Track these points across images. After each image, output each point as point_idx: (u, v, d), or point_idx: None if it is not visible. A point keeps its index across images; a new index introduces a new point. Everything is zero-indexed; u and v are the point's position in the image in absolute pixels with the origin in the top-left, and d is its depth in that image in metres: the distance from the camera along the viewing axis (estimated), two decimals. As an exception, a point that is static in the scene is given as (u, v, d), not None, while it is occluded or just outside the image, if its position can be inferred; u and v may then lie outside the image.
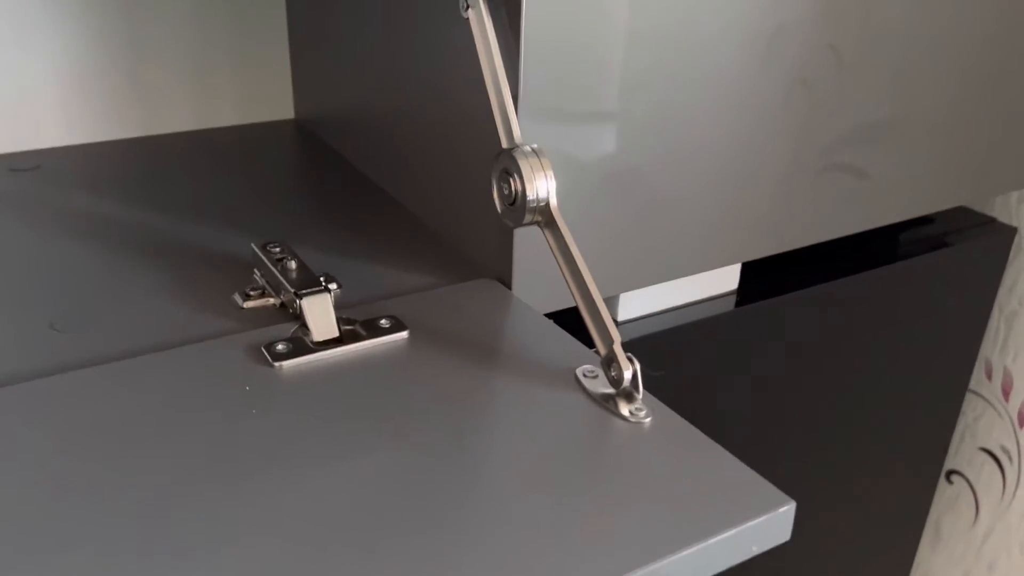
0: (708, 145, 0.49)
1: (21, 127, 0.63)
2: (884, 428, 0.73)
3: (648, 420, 0.36)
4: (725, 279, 0.58)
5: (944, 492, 0.90)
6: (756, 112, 0.50)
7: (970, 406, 0.85)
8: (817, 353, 0.64)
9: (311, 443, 0.34)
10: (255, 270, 0.46)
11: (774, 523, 0.30)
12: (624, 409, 0.37)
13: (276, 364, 0.38)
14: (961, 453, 0.87)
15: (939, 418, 0.78)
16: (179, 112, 0.67)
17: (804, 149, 0.54)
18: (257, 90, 0.70)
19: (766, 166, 0.53)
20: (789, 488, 0.32)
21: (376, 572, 0.28)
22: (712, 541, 0.29)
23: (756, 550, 0.30)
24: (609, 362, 0.37)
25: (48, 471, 0.32)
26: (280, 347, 0.39)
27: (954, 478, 0.88)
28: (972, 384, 0.84)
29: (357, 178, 0.61)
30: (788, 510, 0.30)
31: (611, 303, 0.53)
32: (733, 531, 0.29)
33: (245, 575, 0.27)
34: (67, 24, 0.61)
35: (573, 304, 0.39)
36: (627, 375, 0.36)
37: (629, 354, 0.37)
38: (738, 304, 0.57)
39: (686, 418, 0.36)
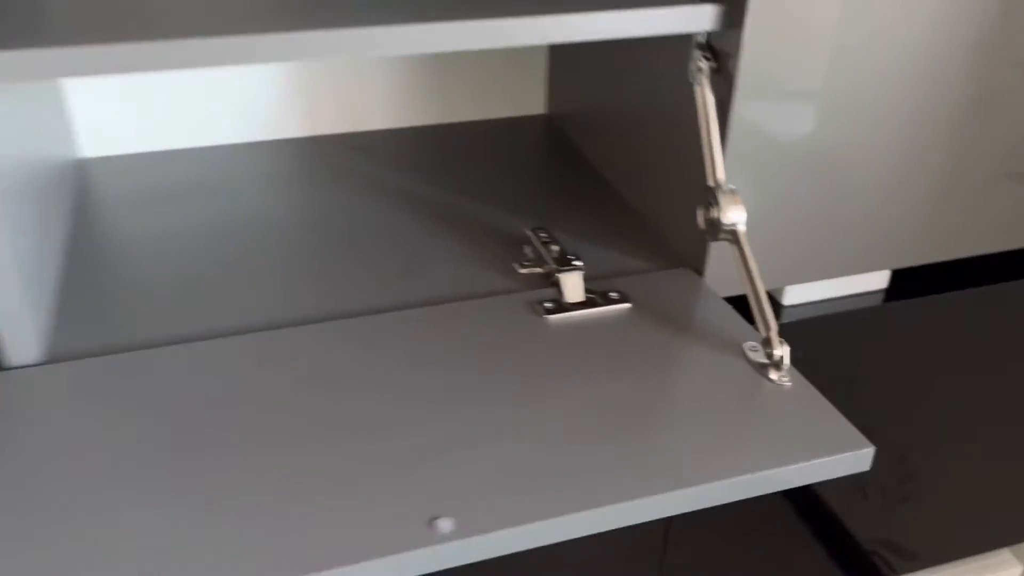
0: (892, 151, 0.64)
1: (354, 108, 0.87)
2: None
3: (788, 384, 0.54)
4: (877, 276, 0.72)
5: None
6: (942, 119, 0.63)
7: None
8: (956, 353, 0.77)
9: (567, 369, 0.54)
10: (526, 247, 0.67)
11: (858, 458, 0.48)
12: (773, 375, 0.54)
13: (545, 316, 0.59)
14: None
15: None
16: (464, 104, 0.89)
17: (982, 157, 0.66)
18: (519, 87, 0.90)
19: (942, 172, 0.66)
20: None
21: (607, 453, 0.48)
22: (817, 462, 0.47)
23: (842, 473, 0.48)
24: (767, 342, 0.55)
25: (402, 374, 0.54)
26: (548, 305, 0.60)
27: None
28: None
29: (595, 175, 0.80)
30: (868, 452, 0.48)
31: (778, 290, 0.70)
32: (831, 457, 0.47)
33: (522, 454, 0.49)
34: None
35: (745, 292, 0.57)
36: (777, 353, 0.54)
37: (781, 338, 0.54)
38: (886, 300, 0.72)
39: (820, 390, 0.53)
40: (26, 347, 0.54)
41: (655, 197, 0.71)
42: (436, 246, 0.69)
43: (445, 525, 0.43)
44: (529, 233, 0.68)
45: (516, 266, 0.65)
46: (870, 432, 0.50)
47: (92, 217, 0.71)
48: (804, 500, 0.81)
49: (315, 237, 0.70)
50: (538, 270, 0.65)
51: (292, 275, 0.65)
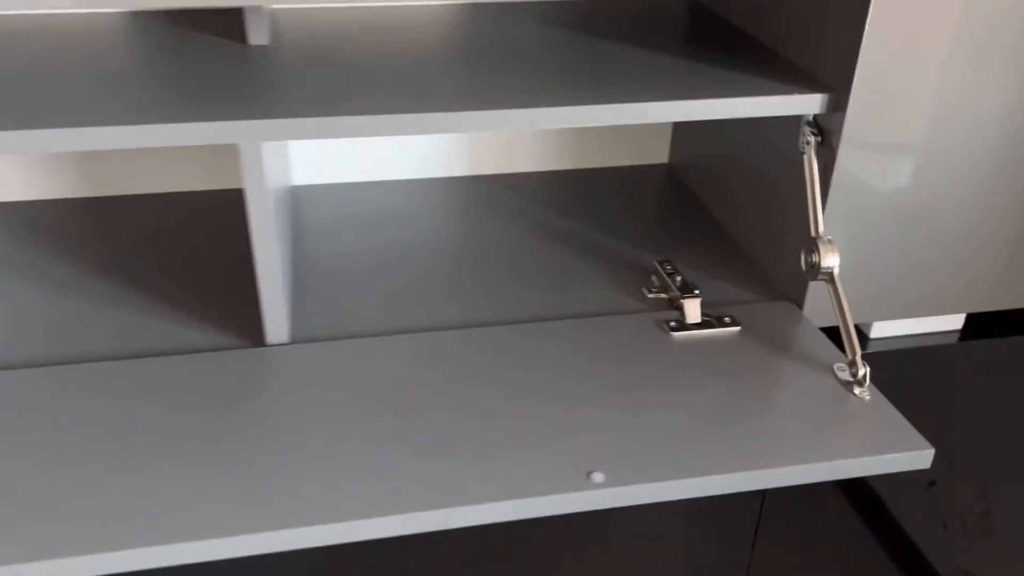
0: (972, 206, 0.76)
1: (507, 153, 1.04)
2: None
3: (868, 398, 0.67)
4: (953, 318, 0.84)
5: None
6: (1021, 175, 0.75)
7: None
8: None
9: (689, 374, 0.69)
10: (653, 276, 0.82)
11: (921, 457, 0.61)
12: (856, 390, 0.68)
13: (670, 332, 0.74)
14: None
15: None
16: (598, 153, 1.05)
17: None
18: (646, 141, 1.06)
19: (1016, 226, 0.78)
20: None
21: (720, 438, 0.62)
22: (887, 456, 0.60)
23: (908, 468, 0.61)
24: (852, 363, 0.68)
25: (560, 367, 0.70)
26: (672, 324, 0.75)
27: None
28: None
29: (709, 217, 0.94)
30: (929, 452, 0.61)
31: (866, 325, 0.82)
32: (899, 454, 0.60)
33: (655, 433, 0.63)
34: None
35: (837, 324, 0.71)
36: (860, 373, 0.67)
37: (864, 361, 0.68)
38: (961, 340, 0.84)
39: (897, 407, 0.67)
40: (279, 330, 0.72)
41: (762, 239, 0.85)
42: (579, 270, 0.84)
43: (598, 477, 0.58)
44: (656, 264, 0.83)
45: (645, 291, 0.80)
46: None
47: (304, 234, 0.90)
48: (886, 529, 0.92)
49: (479, 258, 0.87)
50: (663, 295, 0.80)
51: (463, 287, 0.81)
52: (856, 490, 0.87)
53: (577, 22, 0.87)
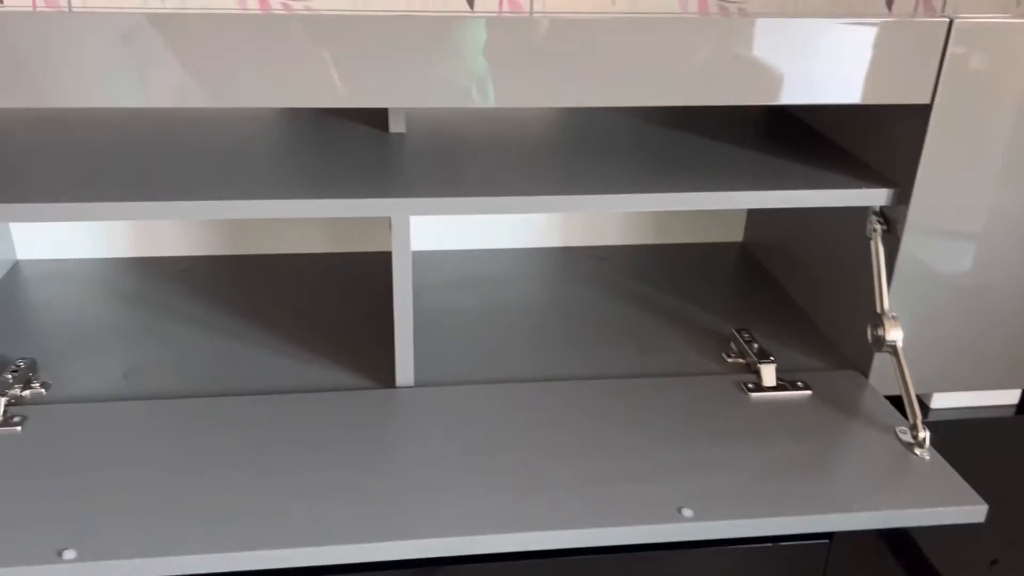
0: None
1: (597, 229, 1.15)
2: None
3: (927, 458, 0.75)
4: (1011, 392, 0.91)
5: None
6: None
7: None
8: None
9: (765, 431, 0.78)
10: (731, 342, 0.92)
11: (975, 511, 0.68)
12: (916, 451, 0.76)
13: (748, 393, 0.83)
14: None
15: None
16: (678, 230, 1.16)
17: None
18: (723, 221, 1.16)
19: None
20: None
21: (794, 487, 0.71)
22: (943, 509, 0.68)
23: (962, 520, 0.68)
24: (913, 427, 0.77)
25: (647, 419, 0.79)
26: (750, 385, 0.84)
27: None
28: None
29: (780, 290, 1.04)
30: (983, 507, 0.68)
31: (927, 395, 0.90)
32: (955, 507, 0.68)
33: (735, 480, 0.72)
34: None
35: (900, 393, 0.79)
36: (920, 436, 0.76)
37: (924, 425, 0.76)
38: (1017, 413, 0.91)
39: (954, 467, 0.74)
40: (407, 374, 0.83)
41: (830, 312, 0.94)
42: (661, 335, 0.94)
43: (688, 512, 0.67)
44: (734, 332, 0.92)
45: (724, 355, 0.90)
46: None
47: (418, 292, 1.02)
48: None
49: (570, 320, 0.97)
50: (740, 360, 0.89)
51: (556, 345, 0.92)
52: (917, 560, 0.94)
53: (674, 121, 0.99)
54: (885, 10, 1.10)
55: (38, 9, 0.98)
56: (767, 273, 1.09)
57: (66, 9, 0.98)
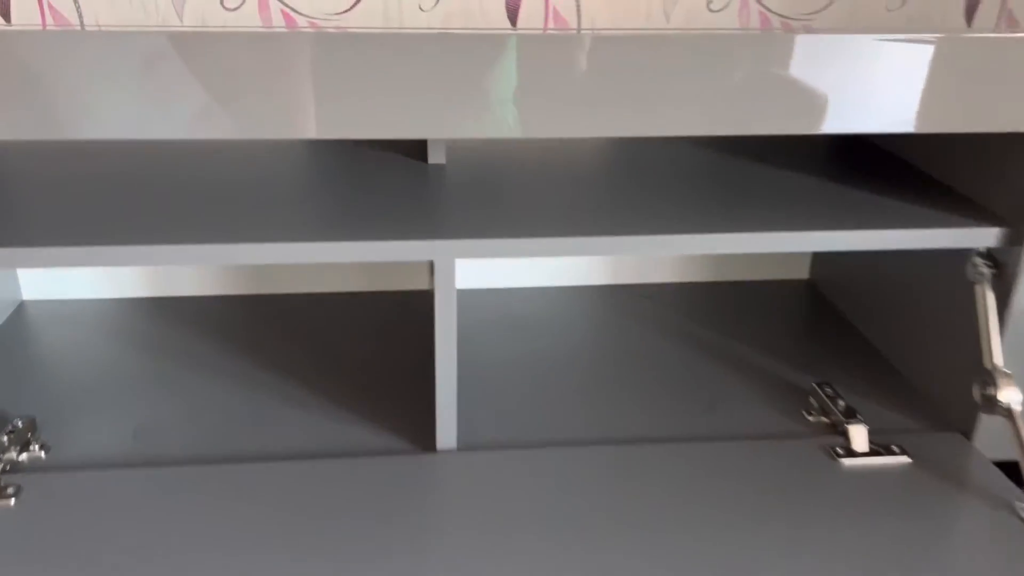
0: None
1: (649, 264, 1.06)
2: None
3: (1058, 542, 0.64)
4: None
5: None
6: None
7: None
8: None
9: (862, 507, 0.67)
10: (811, 398, 0.82)
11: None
12: (1043, 532, 0.65)
13: (839, 460, 0.73)
14: None
15: None
16: (738, 267, 1.06)
17: None
18: (787, 257, 1.06)
19: None
20: None
21: (905, 576, 0.61)
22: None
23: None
24: (1036, 504, 0.66)
25: (724, 496, 0.69)
26: (839, 450, 0.74)
27: None
28: None
29: (857, 335, 0.94)
30: None
31: (1035, 460, 0.80)
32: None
33: (829, 570, 0.62)
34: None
35: (1014, 458, 0.69)
36: (1047, 514, 0.65)
37: (1050, 503, 0.65)
38: None
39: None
40: (449, 438, 0.74)
41: (921, 363, 0.84)
42: (727, 388, 0.84)
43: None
44: (814, 386, 0.82)
45: (805, 414, 0.80)
46: None
47: (461, 336, 0.93)
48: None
49: (626, 369, 0.87)
50: (824, 419, 0.79)
51: (612, 400, 0.82)
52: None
53: (735, 147, 0.90)
54: (964, 24, 1.01)
55: (48, 28, 0.90)
56: (840, 316, 0.99)
57: (78, 28, 0.91)
